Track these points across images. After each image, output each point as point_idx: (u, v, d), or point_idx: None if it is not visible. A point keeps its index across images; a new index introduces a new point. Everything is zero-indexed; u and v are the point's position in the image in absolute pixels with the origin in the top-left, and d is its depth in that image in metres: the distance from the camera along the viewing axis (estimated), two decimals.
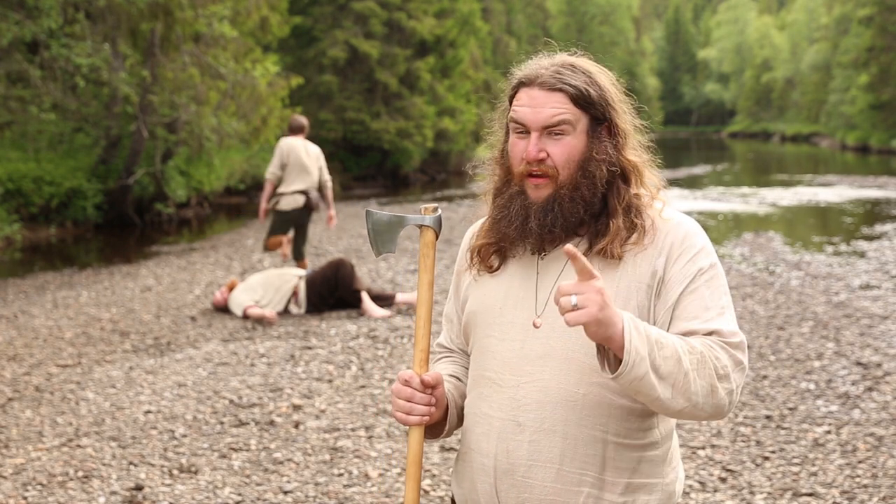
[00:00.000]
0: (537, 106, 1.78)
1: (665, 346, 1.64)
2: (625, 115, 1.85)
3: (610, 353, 1.64)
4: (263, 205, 9.38)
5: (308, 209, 9.22)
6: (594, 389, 1.76)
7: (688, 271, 1.77)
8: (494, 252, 1.89)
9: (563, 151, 1.78)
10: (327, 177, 9.37)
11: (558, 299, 1.58)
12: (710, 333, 1.73)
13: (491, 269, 1.89)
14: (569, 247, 1.58)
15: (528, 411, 1.78)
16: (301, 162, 9.13)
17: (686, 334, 1.73)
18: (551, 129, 1.78)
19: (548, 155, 1.78)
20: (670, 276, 1.77)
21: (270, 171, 9.16)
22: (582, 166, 1.79)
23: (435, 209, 1.88)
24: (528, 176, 1.80)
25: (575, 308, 1.56)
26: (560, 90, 1.78)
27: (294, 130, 9.35)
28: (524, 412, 1.78)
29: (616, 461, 1.77)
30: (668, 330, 1.75)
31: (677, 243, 1.79)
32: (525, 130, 1.80)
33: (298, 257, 9.48)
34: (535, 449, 1.77)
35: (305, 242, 9.63)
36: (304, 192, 9.13)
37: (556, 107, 1.77)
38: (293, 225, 9.32)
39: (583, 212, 1.79)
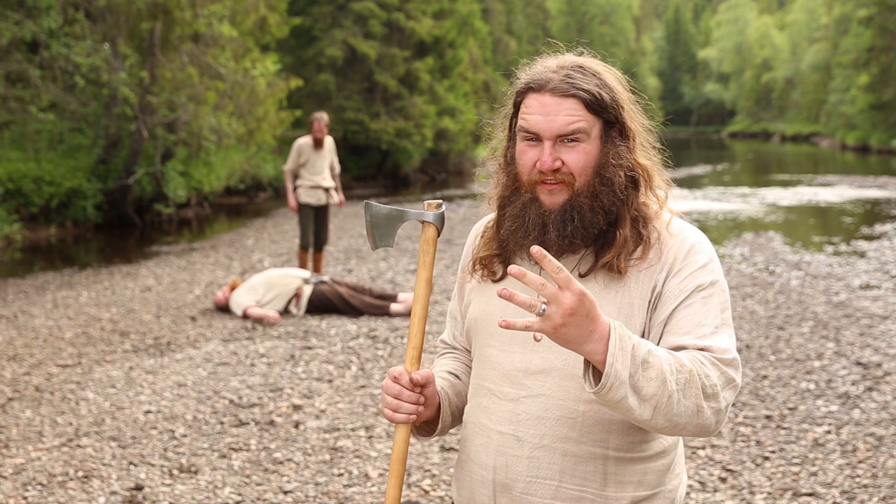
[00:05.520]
0: (550, 114, 1.70)
1: (651, 366, 1.56)
2: (634, 116, 1.79)
3: (591, 366, 1.57)
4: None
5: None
6: (594, 406, 1.72)
7: (685, 286, 1.70)
8: (498, 261, 1.84)
9: (579, 159, 1.71)
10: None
11: (535, 302, 1.49)
12: (700, 350, 1.65)
13: (495, 277, 1.84)
14: (535, 248, 1.48)
15: (528, 426, 1.74)
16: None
17: (675, 349, 1.66)
18: (565, 137, 1.71)
19: (563, 163, 1.71)
20: (666, 290, 1.71)
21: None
22: (598, 172, 1.72)
23: (438, 205, 1.82)
24: (540, 182, 1.73)
25: (542, 314, 1.48)
26: (573, 96, 1.71)
27: None
28: (523, 427, 1.75)
29: (619, 476, 1.74)
30: (657, 344, 1.69)
31: (680, 258, 1.73)
32: (536, 138, 1.73)
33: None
34: (534, 465, 1.74)
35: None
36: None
37: (571, 114, 1.70)
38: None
39: (602, 221, 1.72)
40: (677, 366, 1.59)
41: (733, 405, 5.59)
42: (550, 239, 1.72)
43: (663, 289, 1.71)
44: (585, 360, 1.57)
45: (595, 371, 1.58)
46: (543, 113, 1.71)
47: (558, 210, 1.72)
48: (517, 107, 1.79)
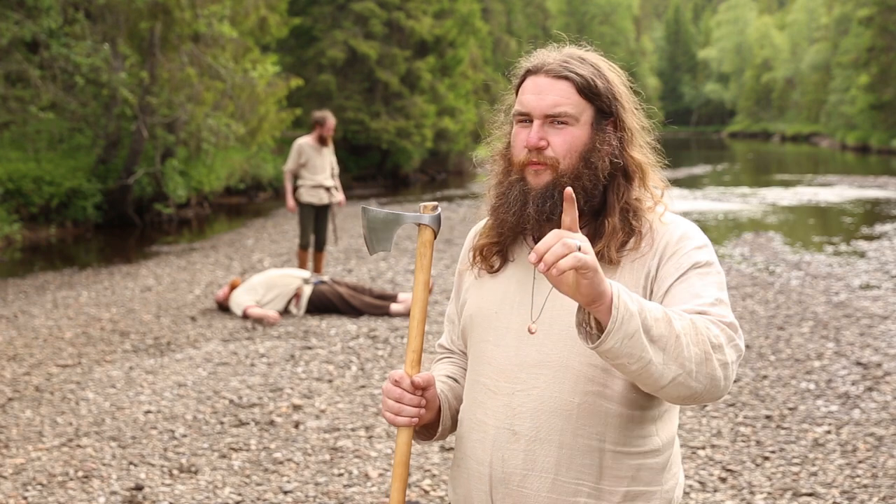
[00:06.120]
0: (541, 93, 1.75)
1: (655, 308, 1.56)
2: (632, 113, 1.81)
3: (592, 320, 1.55)
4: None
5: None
6: (589, 398, 1.73)
7: (681, 264, 1.72)
8: (496, 252, 1.86)
9: (565, 141, 1.74)
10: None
11: (556, 244, 1.46)
12: (699, 313, 1.66)
13: (492, 269, 1.86)
14: (569, 190, 1.51)
15: (523, 420, 1.75)
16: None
17: None
18: (554, 118, 1.75)
19: (548, 144, 1.75)
20: (662, 272, 1.73)
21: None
22: (584, 157, 1.75)
23: (434, 207, 1.84)
24: (529, 164, 1.76)
25: (580, 249, 1.46)
26: (566, 78, 1.75)
27: None
28: (519, 420, 1.76)
29: (614, 470, 1.75)
30: None
31: (672, 242, 1.75)
32: (528, 119, 1.77)
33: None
34: (530, 458, 1.75)
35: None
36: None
37: (561, 95, 1.74)
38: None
39: (582, 202, 1.75)
40: (677, 314, 1.60)
41: (733, 404, 5.58)
42: (529, 214, 1.76)
43: (657, 273, 1.73)
44: (581, 323, 1.56)
45: (596, 329, 1.56)
46: (535, 92, 1.76)
47: (541, 189, 1.75)
48: (517, 93, 1.83)
